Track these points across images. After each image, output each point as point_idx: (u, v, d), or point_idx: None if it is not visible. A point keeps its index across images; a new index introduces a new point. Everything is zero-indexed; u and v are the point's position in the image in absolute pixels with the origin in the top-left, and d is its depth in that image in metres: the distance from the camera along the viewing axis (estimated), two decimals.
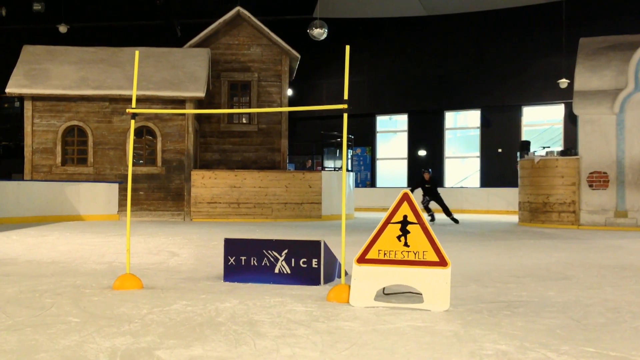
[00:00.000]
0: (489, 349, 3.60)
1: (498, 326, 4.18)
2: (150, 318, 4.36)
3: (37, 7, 24.07)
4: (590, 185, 15.28)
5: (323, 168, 24.50)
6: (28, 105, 17.71)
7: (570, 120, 23.99)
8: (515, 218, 18.96)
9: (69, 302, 4.94)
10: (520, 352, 3.53)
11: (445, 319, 4.43)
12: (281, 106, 20.20)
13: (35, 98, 17.67)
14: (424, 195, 17.82)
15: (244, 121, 20.48)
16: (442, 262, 4.78)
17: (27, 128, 17.73)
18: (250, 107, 20.19)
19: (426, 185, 17.71)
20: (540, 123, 26.67)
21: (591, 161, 15.30)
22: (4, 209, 15.30)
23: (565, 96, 23.42)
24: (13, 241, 10.62)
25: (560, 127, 25.91)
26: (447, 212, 17.45)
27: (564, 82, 23.23)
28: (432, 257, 4.80)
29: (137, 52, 5.96)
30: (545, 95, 25.50)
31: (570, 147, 17.37)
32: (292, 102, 25.30)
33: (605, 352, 3.56)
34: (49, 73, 17.88)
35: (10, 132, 26.23)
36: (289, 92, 21.70)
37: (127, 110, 5.84)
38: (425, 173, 17.88)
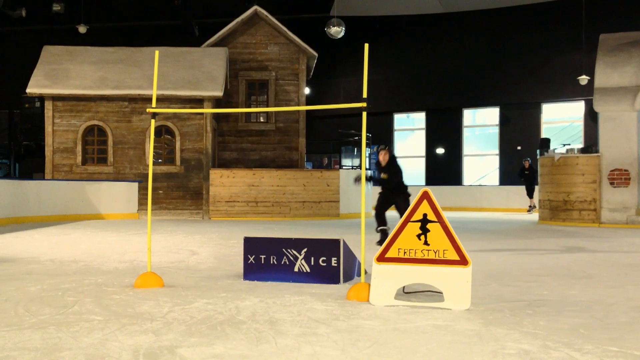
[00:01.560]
0: (511, 348, 3.57)
1: (520, 325, 4.16)
2: (172, 316, 4.38)
3: (56, 7, 24.26)
4: (612, 183, 15.12)
5: (341, 166, 24.49)
6: (49, 105, 17.88)
7: (591, 118, 23.76)
8: (534, 216, 18.83)
9: (91, 300, 4.98)
10: (543, 351, 3.51)
11: (466, 317, 4.40)
12: (299, 105, 20.22)
13: (55, 98, 17.83)
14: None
15: (262, 120, 20.53)
16: (463, 261, 4.76)
17: (48, 128, 17.90)
18: (267, 106, 20.22)
19: (525, 172, 20.79)
20: (560, 120, 26.46)
21: (612, 158, 15.14)
22: (25, 208, 15.47)
23: (585, 93, 23.21)
24: (35, 240, 10.73)
25: (580, 124, 25.69)
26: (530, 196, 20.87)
27: (584, 79, 23.02)
28: (453, 255, 4.78)
29: (157, 52, 5.99)
30: (565, 92, 25.29)
31: (591, 144, 17.20)
32: (309, 100, 25.31)
33: (629, 351, 3.53)
34: (69, 73, 18.04)
35: (31, 132, 26.47)
36: (307, 90, 21.71)
37: (147, 109, 5.88)
38: (526, 161, 20.97)
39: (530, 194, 20.97)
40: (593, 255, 8.69)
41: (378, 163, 10.51)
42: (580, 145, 19.99)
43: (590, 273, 6.82)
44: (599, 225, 15.05)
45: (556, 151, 16.93)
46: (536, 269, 7.14)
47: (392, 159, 10.39)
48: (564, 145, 18.66)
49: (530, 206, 21.16)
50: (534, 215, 19.15)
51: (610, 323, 4.27)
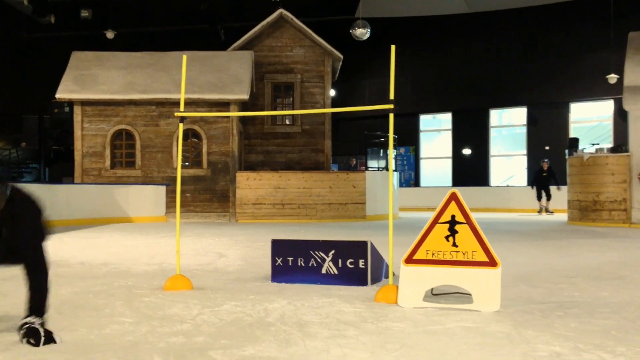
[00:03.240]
0: (542, 350, 3.54)
1: (551, 327, 4.12)
2: (202, 318, 4.42)
3: (84, 13, 24.60)
4: None
5: (367, 168, 24.46)
6: (77, 110, 18.13)
7: (620, 116, 23.41)
8: (563, 217, 18.61)
9: (121, 302, 5.04)
10: (574, 353, 3.47)
11: (496, 319, 4.37)
12: (324, 107, 20.24)
13: (84, 103, 18.08)
14: (538, 189, 20.89)
15: (288, 122, 20.58)
16: (492, 262, 4.73)
17: (77, 132, 18.15)
18: (293, 109, 20.27)
19: (544, 174, 20.59)
20: (589, 119, 26.12)
21: None
22: (55, 212, 15.68)
23: (614, 92, 22.88)
24: (65, 243, 10.88)
25: (609, 123, 25.32)
26: (548, 199, 20.80)
27: (613, 78, 22.70)
28: (482, 257, 4.75)
29: (184, 57, 6.05)
30: (594, 91, 24.95)
31: (620, 143, 16.94)
32: (335, 102, 25.31)
33: None
34: (97, 78, 18.27)
35: (61, 137, 26.86)
36: (332, 92, 21.72)
37: (176, 113, 5.94)
38: (544, 163, 20.84)
39: (547, 196, 20.84)
40: (624, 256, 8.57)
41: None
42: (610, 145, 19.69)
43: (622, 274, 6.73)
44: (630, 226, 14.83)
45: (585, 151, 16.72)
46: (566, 270, 7.06)
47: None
48: (593, 144, 18.43)
49: (544, 207, 21.15)
50: (563, 216, 18.92)
51: None
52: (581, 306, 4.85)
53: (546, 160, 21.25)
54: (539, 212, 21.10)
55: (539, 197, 20.99)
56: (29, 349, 3.55)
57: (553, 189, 21.10)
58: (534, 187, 21.34)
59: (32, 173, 27.47)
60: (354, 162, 25.72)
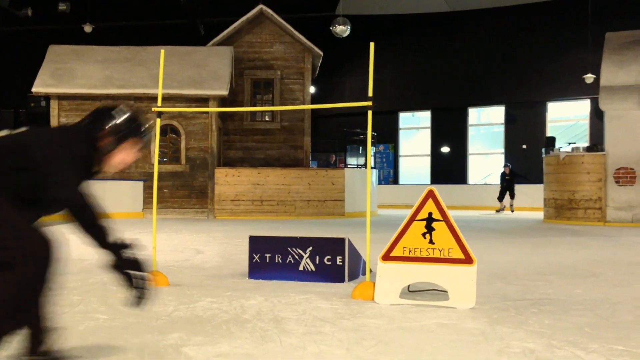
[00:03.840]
0: (516, 347, 3.57)
1: (525, 324, 4.15)
2: (177, 315, 4.39)
3: (62, 7, 24.31)
4: (617, 182, 15.08)
5: (346, 165, 24.48)
6: (54, 105, 17.93)
7: (597, 116, 23.67)
8: (540, 215, 18.79)
9: (96, 299, 5.00)
10: (548, 350, 3.50)
11: (471, 316, 4.40)
12: (304, 104, 20.22)
13: (61, 97, 17.88)
14: (502, 191, 21.95)
15: (267, 119, 20.54)
16: (468, 260, 4.76)
17: None
18: (273, 105, 20.24)
19: (506, 177, 21.87)
20: (566, 119, 26.38)
21: (618, 157, 15.10)
22: None
23: (591, 91, 23.12)
24: None
25: (586, 122, 25.61)
26: (512, 197, 21.91)
27: (589, 78, 22.94)
28: (458, 254, 4.78)
29: (162, 51, 6.00)
30: (571, 90, 25.21)
31: (597, 143, 17.14)
32: (314, 99, 25.29)
33: (635, 350, 3.52)
34: (74, 72, 18.08)
35: None
36: (312, 89, 21.70)
37: (153, 109, 5.89)
38: (506, 167, 22.10)
39: (512, 195, 21.98)
40: (599, 254, 8.67)
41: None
42: (586, 144, 19.89)
43: (596, 272, 6.81)
44: (605, 224, 15.01)
45: (562, 150, 16.89)
46: (541, 267, 7.13)
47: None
48: (570, 143, 18.63)
49: (506, 205, 22.14)
50: (539, 214, 19.10)
51: (616, 322, 4.26)
52: (555, 303, 4.90)
53: (508, 164, 22.52)
54: (498, 210, 22.02)
55: (501, 198, 22.06)
56: None
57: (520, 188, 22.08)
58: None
59: None
60: (334, 159, 25.76)
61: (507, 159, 26.87)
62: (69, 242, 9.43)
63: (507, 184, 22.00)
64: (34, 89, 17.71)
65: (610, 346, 3.59)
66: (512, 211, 21.85)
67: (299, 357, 3.37)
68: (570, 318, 4.35)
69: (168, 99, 17.58)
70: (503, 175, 22.17)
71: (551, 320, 4.28)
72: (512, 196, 21.90)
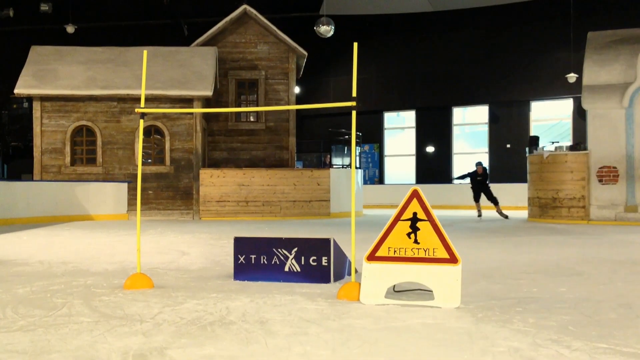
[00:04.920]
0: (501, 345, 3.58)
1: (509, 323, 4.17)
2: (162, 317, 4.37)
3: (44, 7, 24.13)
4: (600, 180, 15.20)
5: (331, 165, 24.49)
6: (37, 106, 17.78)
7: (579, 115, 23.88)
8: (524, 214, 18.90)
9: (80, 302, 4.95)
10: (532, 348, 3.52)
11: (456, 316, 4.41)
12: (289, 104, 20.20)
13: (43, 98, 17.74)
14: (476, 192, 18.61)
15: (252, 119, 20.50)
16: (453, 259, 4.77)
17: (36, 128, 17.80)
18: (257, 105, 20.21)
19: (478, 178, 18.43)
20: (549, 118, 26.57)
21: (601, 156, 15.23)
22: (14, 210, 15.38)
23: (574, 91, 23.33)
24: (24, 242, 10.67)
25: (569, 121, 25.81)
26: (496, 204, 18.24)
27: (572, 77, 23.13)
28: (443, 254, 4.79)
29: (145, 52, 5.96)
30: (554, 90, 25.41)
31: (580, 141, 17.29)
32: (299, 99, 25.29)
33: (618, 348, 3.54)
34: (57, 73, 17.94)
35: (20, 133, 26.37)
36: (297, 89, 21.69)
37: (136, 110, 5.85)
38: (479, 167, 18.56)
39: (493, 200, 18.08)
40: (582, 253, 8.73)
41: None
42: (569, 143, 20.05)
43: (580, 270, 6.85)
44: (588, 222, 15.13)
45: (545, 149, 17.00)
46: (525, 266, 7.17)
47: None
48: (553, 142, 18.74)
49: (498, 212, 18.26)
50: (523, 213, 19.22)
51: (600, 320, 4.29)
52: (540, 302, 4.93)
53: (481, 163, 18.77)
54: (479, 215, 18.47)
55: (477, 199, 18.51)
56: None
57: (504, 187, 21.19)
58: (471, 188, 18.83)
59: None
60: (329, 159, 25.62)
61: (491, 158, 27.02)
62: (53, 245, 9.34)
63: (480, 185, 18.36)
64: (16, 91, 17.56)
65: (594, 344, 3.61)
66: (506, 217, 17.90)
67: (284, 358, 3.36)
68: (555, 316, 4.38)
69: (152, 100, 17.51)
70: (474, 175, 18.47)
71: (535, 318, 4.30)
72: (494, 201, 18.11)
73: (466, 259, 7.42)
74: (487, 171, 19.22)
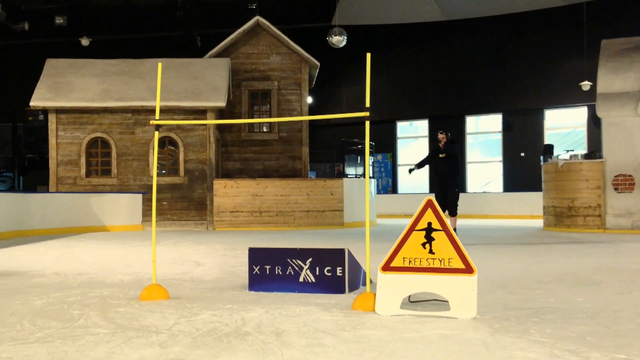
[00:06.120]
0: (519, 357, 3.56)
1: (527, 333, 4.14)
2: (178, 328, 4.37)
3: (59, 20, 24.37)
4: (616, 189, 15.09)
5: (344, 175, 24.49)
6: (52, 118, 17.94)
7: (594, 123, 23.74)
8: (539, 223, 18.79)
9: (96, 313, 4.98)
10: (550, 359, 3.49)
11: (473, 326, 4.39)
12: (301, 114, 20.25)
13: (59, 111, 17.90)
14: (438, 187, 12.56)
15: (265, 130, 20.56)
16: (468, 269, 4.75)
17: (52, 140, 17.95)
18: (270, 116, 20.26)
19: (441, 156, 12.07)
20: (563, 126, 26.44)
21: (616, 164, 15.12)
22: (30, 221, 15.49)
23: (588, 99, 23.19)
24: (40, 253, 10.74)
25: (583, 130, 25.66)
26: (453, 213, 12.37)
27: (586, 85, 23.02)
28: (458, 264, 4.77)
29: (159, 64, 6.01)
30: (568, 98, 25.28)
31: (594, 150, 17.18)
32: (312, 109, 25.33)
33: (637, 358, 3.51)
34: (72, 86, 18.10)
35: (35, 145, 26.57)
36: (309, 99, 21.75)
37: (151, 122, 5.89)
38: (442, 135, 12.14)
39: (450, 202, 12.65)
40: (599, 262, 8.66)
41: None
42: (584, 151, 19.95)
43: (597, 280, 6.80)
44: (604, 231, 15.01)
45: (560, 157, 16.92)
46: (542, 276, 7.12)
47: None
48: (568, 151, 18.66)
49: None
50: (538, 222, 19.10)
51: (618, 330, 4.25)
52: (557, 312, 4.89)
53: (444, 131, 12.91)
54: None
55: (442, 201, 13.86)
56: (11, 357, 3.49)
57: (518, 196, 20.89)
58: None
59: (6, 182, 27.12)
60: (341, 169, 25.66)
61: (505, 167, 26.88)
62: (68, 256, 9.40)
63: (445, 171, 12.40)
64: (31, 103, 17.73)
65: (613, 355, 3.58)
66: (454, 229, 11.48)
67: None
68: (572, 327, 4.34)
69: (166, 111, 17.61)
70: (435, 152, 12.67)
71: (552, 329, 4.27)
72: (452, 209, 12.51)
73: (481, 268, 7.38)
74: (455, 145, 12.71)
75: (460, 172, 9.80)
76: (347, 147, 25.77)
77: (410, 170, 13.29)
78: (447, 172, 12.30)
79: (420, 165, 13.09)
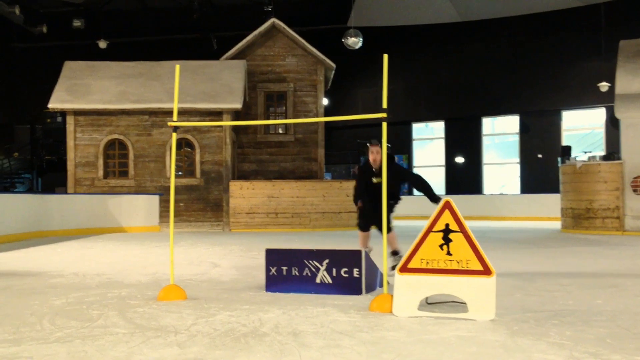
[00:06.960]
0: (538, 359, 3.54)
1: (546, 336, 4.11)
2: (196, 329, 4.39)
3: (77, 23, 24.59)
4: (635, 190, 14.94)
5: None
6: (70, 120, 18.08)
7: (612, 124, 23.52)
8: (557, 225, 18.65)
9: (115, 313, 5.01)
10: None
11: (491, 328, 4.37)
12: (317, 116, 20.25)
13: (77, 113, 18.03)
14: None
15: (281, 131, 20.58)
16: (487, 271, 4.73)
17: (70, 142, 18.09)
18: (286, 117, 20.28)
19: (374, 180, 7.66)
20: (581, 127, 26.24)
21: (635, 165, 14.97)
22: (48, 222, 15.62)
23: (606, 100, 23.00)
24: (58, 254, 10.83)
25: (601, 131, 25.44)
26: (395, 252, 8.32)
27: (604, 86, 22.82)
28: (476, 265, 4.75)
29: (177, 66, 6.03)
30: (586, 99, 25.08)
31: (613, 151, 17.01)
32: (327, 111, 25.34)
33: None
34: (89, 88, 18.24)
35: (53, 147, 26.82)
36: (325, 101, 21.74)
37: (169, 123, 5.92)
38: (373, 147, 7.54)
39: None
40: (618, 264, 8.59)
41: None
42: (602, 153, 19.77)
43: (616, 282, 6.74)
44: (623, 233, 14.87)
45: (578, 159, 16.78)
46: (560, 278, 7.06)
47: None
48: (586, 152, 18.50)
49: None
50: (556, 224, 18.95)
51: (638, 332, 4.21)
52: (576, 314, 4.85)
53: (377, 143, 7.44)
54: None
55: (365, 226, 11.23)
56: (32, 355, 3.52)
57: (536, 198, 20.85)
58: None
59: (25, 183, 27.37)
60: (356, 170, 25.73)
61: (522, 169, 26.71)
62: (87, 257, 9.46)
63: (374, 196, 7.67)
64: (50, 105, 17.88)
65: (633, 357, 3.55)
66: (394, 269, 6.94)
67: None
68: (591, 329, 4.31)
69: (182, 113, 17.69)
70: (364, 170, 7.82)
71: (572, 331, 4.24)
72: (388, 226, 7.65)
73: (499, 270, 7.33)
74: (399, 163, 10.50)
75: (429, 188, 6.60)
76: (363, 149, 25.73)
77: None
78: (378, 196, 6.46)
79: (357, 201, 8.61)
